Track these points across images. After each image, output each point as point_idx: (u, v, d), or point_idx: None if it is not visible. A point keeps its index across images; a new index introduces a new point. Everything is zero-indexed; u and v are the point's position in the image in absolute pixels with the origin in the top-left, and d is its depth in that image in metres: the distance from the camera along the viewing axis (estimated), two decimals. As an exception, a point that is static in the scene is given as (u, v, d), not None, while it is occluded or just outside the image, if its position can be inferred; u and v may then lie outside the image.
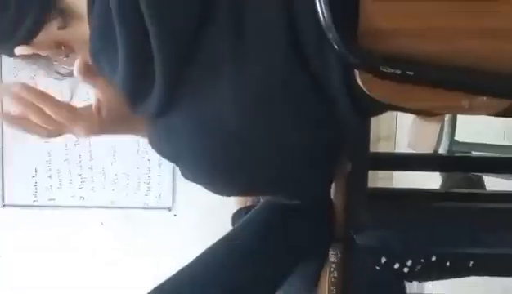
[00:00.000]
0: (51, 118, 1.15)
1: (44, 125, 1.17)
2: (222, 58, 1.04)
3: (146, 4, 1.01)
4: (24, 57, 1.19)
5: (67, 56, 1.18)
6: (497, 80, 0.95)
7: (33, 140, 4.31)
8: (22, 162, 4.62)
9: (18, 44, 1.16)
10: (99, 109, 1.17)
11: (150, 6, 1.01)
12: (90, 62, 1.12)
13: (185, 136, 1.12)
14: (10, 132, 4.47)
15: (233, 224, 1.45)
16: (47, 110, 1.14)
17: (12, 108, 1.16)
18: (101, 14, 1.06)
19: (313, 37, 0.99)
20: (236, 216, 1.45)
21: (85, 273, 4.46)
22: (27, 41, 1.15)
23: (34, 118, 1.16)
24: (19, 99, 1.14)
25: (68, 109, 1.16)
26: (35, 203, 4.67)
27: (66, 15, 1.14)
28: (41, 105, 1.14)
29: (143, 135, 1.23)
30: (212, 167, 1.15)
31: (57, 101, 1.15)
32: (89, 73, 1.12)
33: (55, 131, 1.20)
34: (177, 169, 1.21)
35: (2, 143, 4.58)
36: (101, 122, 1.17)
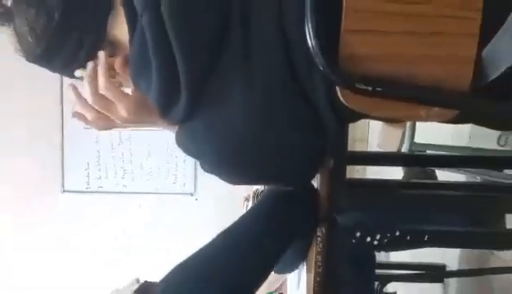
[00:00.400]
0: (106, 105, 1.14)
1: (100, 114, 1.16)
2: (234, 75, 1.03)
3: (175, 36, 1.01)
4: (82, 78, 1.18)
5: (114, 77, 1.17)
6: (446, 95, 0.95)
7: (87, 140, 4.33)
8: (78, 157, 4.64)
9: (76, 69, 1.15)
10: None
11: (178, 37, 1.01)
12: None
13: (205, 139, 1.11)
14: (68, 134, 4.48)
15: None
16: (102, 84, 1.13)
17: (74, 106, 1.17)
18: (139, 43, 1.05)
19: (304, 62, 0.98)
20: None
21: (126, 245, 4.50)
22: (84, 66, 1.14)
23: (93, 111, 1.15)
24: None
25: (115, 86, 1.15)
26: (87, 190, 4.70)
27: (114, 46, 1.13)
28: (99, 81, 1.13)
29: (160, 127, 1.22)
30: (225, 164, 1.14)
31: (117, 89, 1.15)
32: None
33: (106, 123, 1.19)
34: (198, 163, 1.20)
35: (62, 143, 4.59)
36: (135, 106, 1.15)
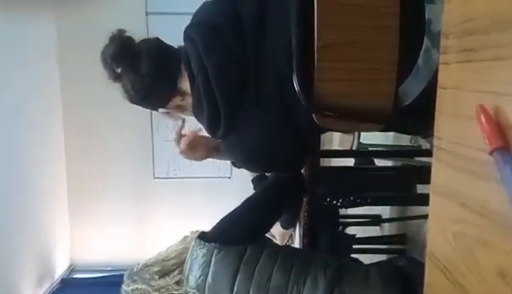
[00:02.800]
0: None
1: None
2: (251, 110, 1.02)
3: (216, 89, 1.00)
4: (164, 113, 1.18)
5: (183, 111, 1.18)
6: (376, 115, 0.94)
7: (166, 145, 4.21)
8: (161, 155, 4.59)
9: (160, 107, 1.16)
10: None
11: (218, 89, 1.00)
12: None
13: (235, 148, 1.11)
14: (156, 142, 4.47)
15: (253, 184, 1.41)
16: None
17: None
18: (197, 91, 1.05)
19: (293, 100, 0.96)
20: (255, 180, 1.42)
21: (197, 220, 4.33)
22: (163, 106, 1.15)
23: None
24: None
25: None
26: (168, 176, 4.64)
27: (183, 93, 1.12)
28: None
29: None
30: (246, 165, 1.15)
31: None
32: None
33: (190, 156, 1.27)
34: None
35: (152, 147, 4.56)
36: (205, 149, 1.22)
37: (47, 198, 4.22)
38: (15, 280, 3.67)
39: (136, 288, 1.15)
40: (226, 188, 4.27)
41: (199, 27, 1.05)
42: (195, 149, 1.26)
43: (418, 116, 0.95)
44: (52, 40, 4.29)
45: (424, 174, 0.52)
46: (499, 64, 0.41)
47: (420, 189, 1.99)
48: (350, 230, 2.37)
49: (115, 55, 1.07)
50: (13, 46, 3.61)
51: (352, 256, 1.81)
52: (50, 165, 4.25)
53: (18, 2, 3.70)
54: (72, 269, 4.65)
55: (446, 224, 0.49)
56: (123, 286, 1.17)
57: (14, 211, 3.58)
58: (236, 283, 1.07)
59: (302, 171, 1.37)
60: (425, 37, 1.00)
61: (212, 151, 1.29)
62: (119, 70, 1.10)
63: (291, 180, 1.29)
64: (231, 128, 1.04)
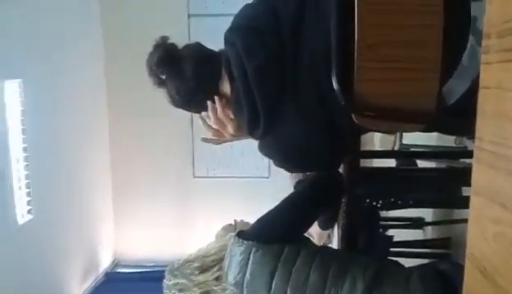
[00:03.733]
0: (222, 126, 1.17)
1: (216, 133, 1.19)
2: (289, 111, 1.03)
3: (256, 92, 1.02)
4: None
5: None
6: (419, 115, 0.93)
7: (207, 148, 4.36)
8: (201, 157, 4.67)
9: (202, 110, 1.18)
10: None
11: (257, 92, 1.02)
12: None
13: (273, 148, 1.12)
14: (196, 144, 4.56)
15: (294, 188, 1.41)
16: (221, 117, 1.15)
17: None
18: (236, 94, 1.07)
19: (333, 101, 0.96)
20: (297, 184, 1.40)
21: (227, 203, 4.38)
22: (205, 109, 1.16)
23: (212, 130, 1.18)
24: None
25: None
26: (208, 175, 4.73)
27: (223, 95, 1.14)
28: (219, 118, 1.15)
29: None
30: (284, 164, 1.15)
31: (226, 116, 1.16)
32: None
33: (219, 139, 1.22)
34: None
35: (193, 149, 4.65)
36: (237, 127, 1.16)
37: (93, 197, 4.41)
38: (62, 274, 3.86)
39: (178, 283, 1.18)
40: (265, 187, 4.31)
41: (239, 29, 1.08)
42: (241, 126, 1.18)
43: (462, 116, 0.93)
44: (99, 46, 4.47)
45: (469, 176, 0.52)
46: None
47: (466, 191, 1.93)
48: (391, 233, 2.33)
49: (160, 63, 1.11)
50: (64, 53, 3.78)
51: (394, 259, 1.78)
52: (96, 166, 4.44)
53: (66, 10, 3.86)
54: (116, 263, 4.83)
55: (486, 225, 0.49)
56: (164, 280, 1.21)
57: (62, 209, 3.78)
58: (274, 282, 1.08)
59: (341, 171, 1.36)
60: (470, 35, 0.98)
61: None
62: (163, 77, 1.14)
63: (330, 180, 1.29)
64: (269, 128, 1.05)
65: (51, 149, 3.64)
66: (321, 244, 1.45)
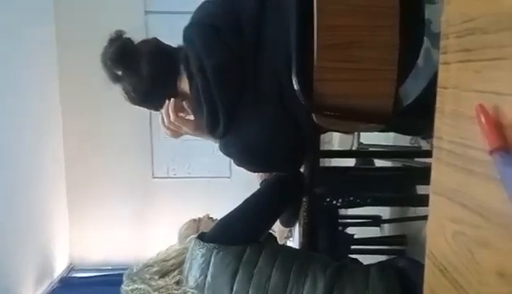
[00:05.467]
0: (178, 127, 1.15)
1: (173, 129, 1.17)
2: (249, 111, 1.02)
3: (216, 90, 1.00)
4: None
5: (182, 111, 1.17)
6: (376, 116, 0.94)
7: (166, 146, 4.23)
8: (162, 152, 4.58)
9: (160, 108, 1.16)
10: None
11: (217, 90, 1.00)
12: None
13: (233, 147, 1.11)
14: (155, 142, 4.47)
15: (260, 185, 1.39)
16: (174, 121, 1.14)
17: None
18: (195, 92, 1.05)
19: (293, 102, 0.96)
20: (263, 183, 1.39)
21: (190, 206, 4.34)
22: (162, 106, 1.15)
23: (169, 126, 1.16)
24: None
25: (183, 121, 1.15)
26: (167, 175, 4.64)
27: (182, 94, 1.12)
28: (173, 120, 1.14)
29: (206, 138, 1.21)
30: (245, 162, 1.14)
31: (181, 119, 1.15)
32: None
33: (176, 134, 1.19)
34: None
35: (151, 142, 4.55)
36: (193, 128, 1.16)
37: (46, 198, 4.22)
38: (14, 279, 3.67)
39: (136, 288, 1.15)
40: (226, 187, 4.27)
41: (199, 27, 1.06)
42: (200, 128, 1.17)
43: (418, 116, 0.95)
44: (51, 40, 4.29)
45: (424, 175, 0.52)
46: (499, 63, 0.41)
47: (420, 190, 1.99)
48: (350, 231, 2.37)
49: (115, 58, 1.08)
50: (13, 46, 3.61)
51: (352, 256, 1.81)
52: (49, 165, 4.25)
53: (16, 1, 3.70)
54: (71, 268, 4.65)
55: (445, 224, 0.50)
56: (122, 286, 1.17)
57: (13, 211, 3.58)
58: (235, 283, 1.07)
59: (302, 170, 1.37)
60: (425, 38, 1.00)
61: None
62: (119, 72, 1.10)
63: (290, 180, 1.29)
64: (229, 128, 1.04)
65: (2, 145, 3.45)
66: (283, 239, 1.45)
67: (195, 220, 1.35)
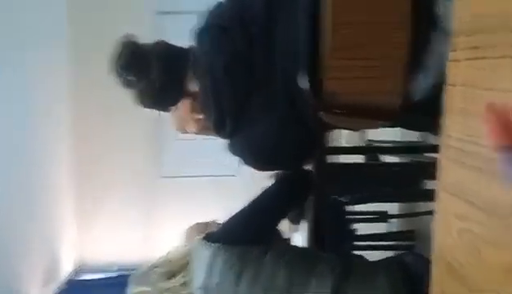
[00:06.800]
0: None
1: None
2: (258, 111, 1.03)
3: (224, 91, 1.01)
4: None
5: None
6: (383, 113, 0.94)
7: (176, 146, 4.23)
8: (170, 153, 4.59)
9: (169, 110, 1.18)
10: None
11: (225, 91, 1.01)
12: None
13: (240, 147, 1.12)
14: (163, 136, 4.50)
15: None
16: None
17: None
18: (204, 92, 1.06)
19: (301, 100, 0.97)
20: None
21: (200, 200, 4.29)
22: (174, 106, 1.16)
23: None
24: None
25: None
26: (175, 175, 4.65)
27: (191, 94, 1.13)
28: None
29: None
30: (252, 162, 1.15)
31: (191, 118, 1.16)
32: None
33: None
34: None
35: (159, 142, 4.57)
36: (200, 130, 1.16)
37: (54, 199, 4.24)
38: (21, 281, 3.69)
39: (142, 291, 1.15)
40: (232, 186, 4.27)
41: (208, 28, 1.06)
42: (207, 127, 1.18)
43: (427, 113, 0.95)
44: (62, 41, 4.32)
45: (431, 170, 0.53)
46: (507, 61, 0.41)
47: (429, 185, 1.98)
48: (356, 227, 2.37)
49: (125, 64, 1.09)
50: (25, 47, 3.63)
51: (359, 253, 1.81)
52: (57, 165, 4.28)
53: (27, 3, 3.72)
54: (78, 270, 4.64)
55: (452, 222, 0.50)
56: (128, 289, 1.18)
57: (21, 213, 3.60)
58: (241, 284, 1.07)
59: (309, 167, 1.37)
60: (436, 34, 0.99)
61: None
62: (129, 77, 1.11)
63: (298, 178, 1.29)
64: (237, 127, 1.05)
65: (9, 146, 3.47)
66: (290, 232, 1.46)
67: (199, 223, 1.36)
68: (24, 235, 3.67)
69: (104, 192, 4.59)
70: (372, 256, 1.37)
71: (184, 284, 1.13)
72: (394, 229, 2.67)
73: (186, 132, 1.22)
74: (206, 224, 1.32)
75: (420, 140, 2.33)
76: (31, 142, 3.78)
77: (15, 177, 3.53)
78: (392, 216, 2.62)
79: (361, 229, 2.23)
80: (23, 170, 3.64)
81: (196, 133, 1.20)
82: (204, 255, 1.11)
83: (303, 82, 0.91)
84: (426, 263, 0.56)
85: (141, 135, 4.51)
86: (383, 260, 1.21)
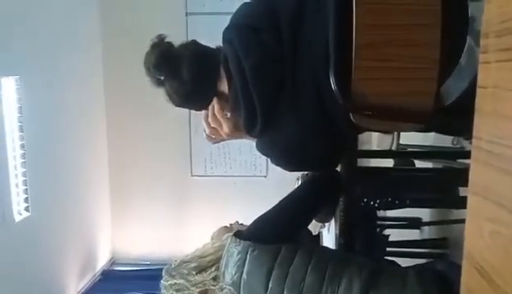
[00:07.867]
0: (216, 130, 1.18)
1: (213, 131, 1.19)
2: (287, 111, 1.03)
3: (254, 90, 1.02)
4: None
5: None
6: (416, 115, 0.93)
7: (204, 146, 4.32)
8: (201, 153, 4.66)
9: (202, 109, 1.19)
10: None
11: (255, 90, 1.02)
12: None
13: (270, 147, 1.13)
14: (193, 143, 4.57)
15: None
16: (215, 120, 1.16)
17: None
18: (234, 93, 1.07)
19: (330, 101, 0.97)
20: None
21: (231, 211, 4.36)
22: (205, 107, 1.18)
23: (209, 128, 1.18)
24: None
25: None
26: (205, 174, 4.73)
27: (221, 95, 1.14)
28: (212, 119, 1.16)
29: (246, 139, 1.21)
30: (282, 161, 1.15)
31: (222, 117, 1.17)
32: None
33: (216, 138, 1.22)
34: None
35: (190, 142, 4.64)
36: (233, 126, 1.16)
37: (91, 195, 4.40)
38: (59, 272, 3.86)
39: (175, 283, 1.18)
40: (262, 186, 4.31)
41: (237, 28, 1.08)
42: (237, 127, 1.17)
43: (460, 116, 0.93)
44: (97, 44, 4.45)
45: (466, 176, 0.52)
46: (539, 63, 0.41)
47: (463, 192, 1.93)
48: (388, 233, 2.33)
49: (157, 64, 1.12)
50: (62, 50, 3.77)
51: (390, 259, 1.79)
52: (94, 164, 4.43)
53: (65, 8, 3.85)
54: (113, 261, 4.83)
55: (482, 224, 0.49)
56: (162, 281, 1.21)
57: (60, 207, 3.77)
58: (270, 282, 1.08)
59: (338, 170, 1.37)
60: (468, 36, 0.98)
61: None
62: (161, 77, 1.14)
63: (327, 179, 1.29)
64: (267, 127, 1.06)
65: (49, 146, 3.63)
66: (318, 229, 1.46)
67: (226, 226, 1.38)
68: (63, 230, 3.88)
69: (137, 190, 4.72)
70: (403, 262, 1.35)
71: (214, 279, 1.15)
72: (426, 237, 2.62)
73: (217, 141, 1.24)
74: (231, 228, 1.34)
75: (454, 145, 2.27)
76: (68, 142, 3.92)
77: (52, 175, 3.67)
78: (425, 223, 2.57)
79: (394, 234, 2.20)
80: (60, 168, 3.79)
81: (226, 138, 1.21)
82: (234, 251, 1.13)
83: (333, 83, 0.91)
84: (459, 270, 0.56)
85: (173, 134, 4.61)
86: (414, 266, 1.20)
